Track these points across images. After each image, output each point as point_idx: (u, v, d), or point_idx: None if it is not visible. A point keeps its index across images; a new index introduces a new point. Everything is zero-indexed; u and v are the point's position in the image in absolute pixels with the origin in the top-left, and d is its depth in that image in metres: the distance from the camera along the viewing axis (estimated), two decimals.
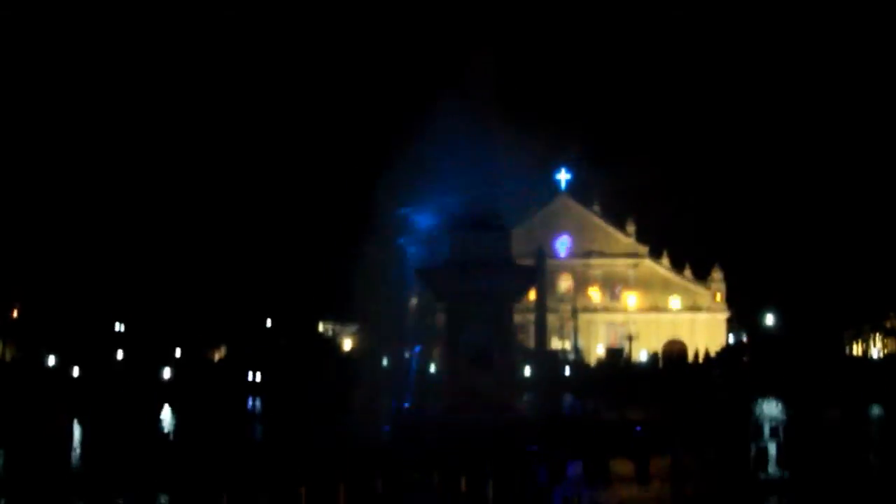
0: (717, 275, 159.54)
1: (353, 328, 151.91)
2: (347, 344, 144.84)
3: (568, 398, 67.88)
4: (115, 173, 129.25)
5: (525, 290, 49.50)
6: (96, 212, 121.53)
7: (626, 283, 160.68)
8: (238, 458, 40.48)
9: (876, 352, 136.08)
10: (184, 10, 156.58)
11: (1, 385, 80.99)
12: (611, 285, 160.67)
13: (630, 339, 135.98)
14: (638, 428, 46.15)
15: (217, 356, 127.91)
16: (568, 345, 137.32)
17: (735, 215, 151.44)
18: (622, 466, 37.03)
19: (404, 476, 33.84)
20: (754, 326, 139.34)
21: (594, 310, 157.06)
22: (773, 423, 54.86)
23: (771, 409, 73.68)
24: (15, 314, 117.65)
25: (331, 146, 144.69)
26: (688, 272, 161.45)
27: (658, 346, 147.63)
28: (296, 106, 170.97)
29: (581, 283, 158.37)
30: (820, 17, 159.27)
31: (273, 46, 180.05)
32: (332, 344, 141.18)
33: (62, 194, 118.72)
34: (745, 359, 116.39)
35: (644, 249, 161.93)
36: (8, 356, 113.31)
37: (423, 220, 47.92)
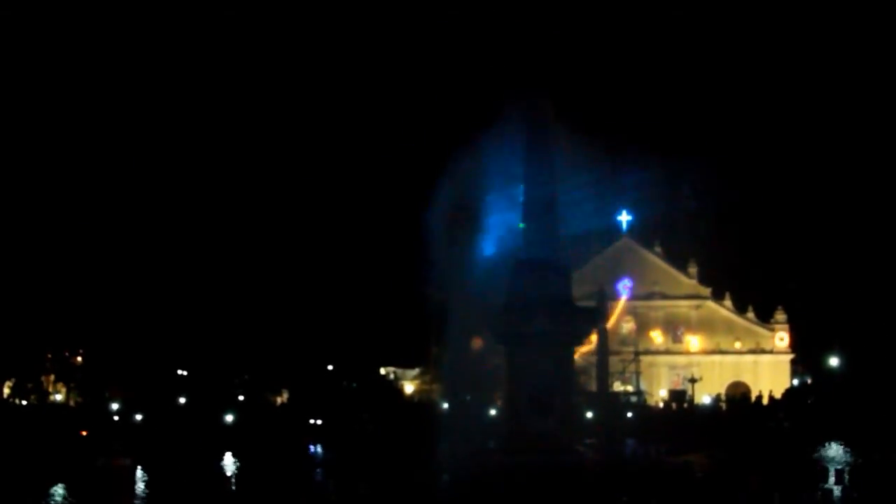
0: (780, 316, 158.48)
1: (415, 372, 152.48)
2: (409, 388, 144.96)
3: (630, 442, 67.39)
4: (175, 219, 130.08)
5: (587, 333, 49.07)
6: (158, 260, 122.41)
7: (689, 325, 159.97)
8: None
9: None
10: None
11: (66, 429, 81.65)
12: (673, 327, 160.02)
13: (693, 381, 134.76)
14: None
15: (279, 401, 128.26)
16: (630, 388, 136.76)
17: (799, 256, 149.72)
18: None
19: None
20: (819, 368, 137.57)
21: (656, 352, 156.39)
22: (840, 467, 53.95)
23: (837, 452, 72.65)
24: (79, 360, 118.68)
25: (386, 190, 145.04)
26: (751, 314, 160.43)
27: (721, 388, 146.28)
28: (345, 157, 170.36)
29: (643, 326, 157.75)
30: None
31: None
32: (394, 388, 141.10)
33: (125, 244, 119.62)
34: (809, 401, 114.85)
35: (706, 291, 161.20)
36: (72, 401, 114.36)
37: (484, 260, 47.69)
